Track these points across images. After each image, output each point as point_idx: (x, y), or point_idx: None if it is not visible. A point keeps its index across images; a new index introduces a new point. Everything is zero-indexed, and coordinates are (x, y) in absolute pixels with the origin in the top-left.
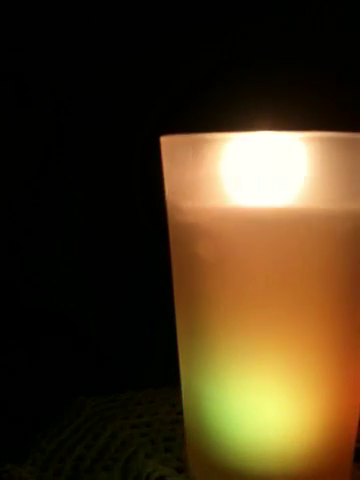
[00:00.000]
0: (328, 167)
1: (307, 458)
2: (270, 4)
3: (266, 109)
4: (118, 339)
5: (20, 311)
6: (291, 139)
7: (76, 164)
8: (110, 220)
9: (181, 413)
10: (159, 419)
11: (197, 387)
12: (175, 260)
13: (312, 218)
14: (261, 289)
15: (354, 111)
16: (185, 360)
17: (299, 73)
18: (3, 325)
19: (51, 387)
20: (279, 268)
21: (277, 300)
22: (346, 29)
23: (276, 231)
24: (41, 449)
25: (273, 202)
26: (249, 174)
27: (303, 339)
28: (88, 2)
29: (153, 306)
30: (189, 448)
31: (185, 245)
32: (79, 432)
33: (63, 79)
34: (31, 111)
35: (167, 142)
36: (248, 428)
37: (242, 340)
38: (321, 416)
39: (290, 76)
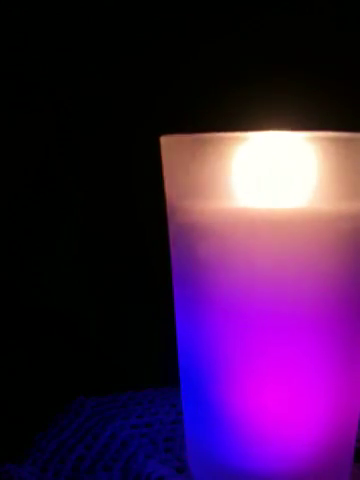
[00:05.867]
0: (329, 167)
1: (307, 458)
2: (270, 4)
3: (266, 109)
4: (118, 339)
5: (20, 311)
6: (291, 139)
7: (76, 164)
8: (110, 220)
9: (181, 413)
10: (159, 419)
11: (197, 387)
12: (175, 260)
13: (313, 218)
14: (261, 289)
15: (354, 111)
16: (185, 360)
17: (299, 73)
18: (3, 325)
19: (51, 387)
20: (280, 268)
21: (278, 300)
22: (346, 29)
23: (276, 231)
24: (41, 449)
25: (273, 202)
26: (249, 174)
27: (304, 339)
28: (88, 2)
29: (153, 306)
30: (189, 448)
31: (185, 245)
32: (79, 432)
33: (63, 79)
34: (31, 111)
35: (167, 142)
36: (248, 428)
37: (243, 340)
38: (321, 416)
39: (290, 76)
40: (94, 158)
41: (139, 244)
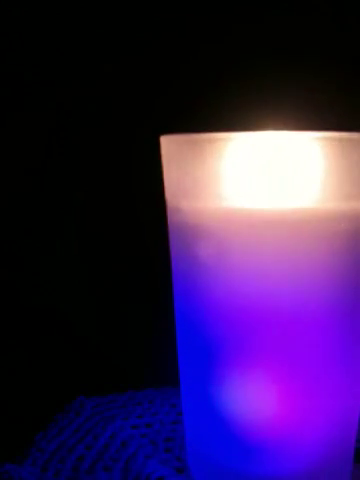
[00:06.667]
0: (328, 167)
1: (307, 458)
2: (270, 4)
3: (266, 109)
4: (118, 339)
5: (20, 311)
6: (291, 139)
7: (76, 164)
8: (110, 220)
9: (181, 413)
10: (159, 419)
11: (197, 387)
12: (175, 260)
13: (312, 218)
14: (261, 289)
15: (354, 111)
16: (185, 360)
17: (300, 73)
18: (3, 325)
19: (51, 387)
20: (279, 268)
21: (277, 300)
22: (346, 29)
23: (276, 231)
24: (41, 449)
25: (273, 202)
26: (249, 174)
27: (304, 339)
28: (88, 2)
29: (153, 306)
30: (189, 448)
31: (185, 245)
32: (79, 432)
33: (63, 79)
34: (31, 111)
35: (167, 142)
36: (248, 428)
37: (242, 340)
38: (321, 416)
39: (290, 76)
40: (94, 158)
41: (139, 244)
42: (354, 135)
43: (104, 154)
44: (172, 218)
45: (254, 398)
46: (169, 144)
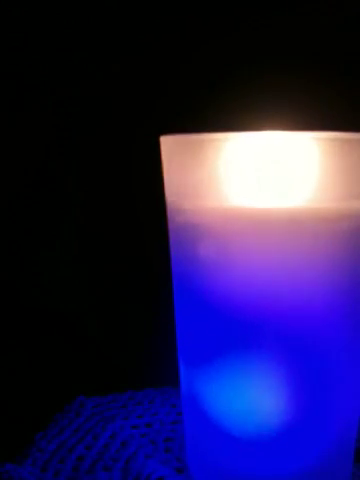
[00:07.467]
0: (328, 167)
1: (307, 458)
2: (270, 4)
3: (266, 109)
4: (118, 339)
5: (20, 311)
6: (291, 139)
7: (76, 164)
8: (110, 220)
9: (181, 413)
10: (159, 419)
11: (197, 387)
12: (175, 260)
13: (312, 218)
14: (261, 289)
15: (354, 111)
16: (185, 360)
17: (300, 73)
18: (3, 325)
19: (51, 387)
20: (279, 268)
21: (277, 300)
22: (346, 29)
23: (276, 231)
24: (41, 449)
25: (273, 202)
26: (249, 174)
27: (304, 339)
28: (88, 2)
29: (153, 306)
30: (189, 448)
31: (185, 245)
32: (79, 432)
33: (63, 79)
34: (31, 111)
35: (167, 142)
36: (248, 428)
37: (242, 340)
38: (321, 416)
39: (290, 76)
40: (94, 158)
41: (139, 244)
42: (353, 135)
43: (104, 154)
44: (172, 218)
45: (254, 398)
46: (169, 144)
